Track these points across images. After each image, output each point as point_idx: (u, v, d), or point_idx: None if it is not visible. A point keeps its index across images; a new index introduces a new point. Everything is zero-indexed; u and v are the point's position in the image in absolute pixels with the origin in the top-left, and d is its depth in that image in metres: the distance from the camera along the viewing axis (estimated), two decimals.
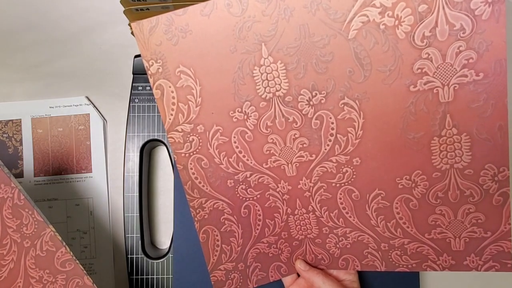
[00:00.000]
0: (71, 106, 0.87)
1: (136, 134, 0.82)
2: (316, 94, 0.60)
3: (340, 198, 0.65)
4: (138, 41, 0.61)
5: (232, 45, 0.60)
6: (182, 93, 0.62)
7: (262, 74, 0.60)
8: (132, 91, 0.83)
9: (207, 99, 0.62)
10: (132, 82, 0.83)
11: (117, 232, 0.86)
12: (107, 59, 0.89)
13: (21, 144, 0.86)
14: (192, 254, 0.77)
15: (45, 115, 0.86)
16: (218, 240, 0.69)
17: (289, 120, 0.62)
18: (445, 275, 0.83)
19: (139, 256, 0.81)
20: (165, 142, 0.82)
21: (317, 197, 0.66)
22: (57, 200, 0.86)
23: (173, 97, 0.63)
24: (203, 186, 0.67)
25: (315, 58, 0.59)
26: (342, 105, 0.60)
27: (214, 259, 0.70)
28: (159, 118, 0.82)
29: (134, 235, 0.81)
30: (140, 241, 0.81)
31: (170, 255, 0.81)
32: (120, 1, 0.69)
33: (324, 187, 0.65)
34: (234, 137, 0.64)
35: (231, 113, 0.63)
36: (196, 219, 0.68)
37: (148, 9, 0.72)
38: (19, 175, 0.86)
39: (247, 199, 0.68)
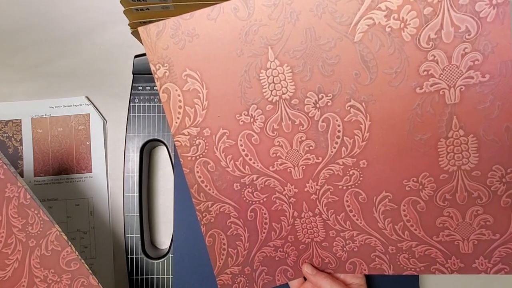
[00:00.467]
0: (71, 106, 0.86)
1: (136, 134, 0.81)
2: (322, 96, 0.60)
3: (347, 201, 0.65)
4: (145, 46, 0.61)
5: (239, 48, 0.60)
6: (189, 96, 0.62)
7: (268, 77, 0.60)
8: (132, 91, 0.83)
9: (213, 102, 0.62)
10: (132, 82, 0.83)
11: (117, 232, 0.86)
12: (107, 59, 0.89)
13: (21, 144, 0.86)
14: (192, 254, 0.77)
15: (45, 115, 0.86)
16: (224, 244, 0.69)
17: (295, 123, 0.62)
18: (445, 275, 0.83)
19: (139, 256, 0.81)
20: (165, 142, 0.82)
21: (323, 200, 0.66)
22: (57, 200, 0.86)
23: (180, 101, 0.62)
24: (210, 189, 0.66)
25: (321, 60, 0.59)
26: (349, 108, 0.60)
27: (220, 263, 0.70)
28: (159, 118, 0.82)
29: (134, 235, 0.81)
30: (140, 241, 0.81)
31: (170, 255, 0.81)
32: (120, 1, 0.69)
33: (330, 190, 0.65)
34: (241, 140, 0.64)
35: (238, 116, 0.63)
36: (202, 222, 0.68)
37: (148, 9, 0.71)
38: (19, 175, 0.85)
39: (254, 203, 0.67)
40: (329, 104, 0.61)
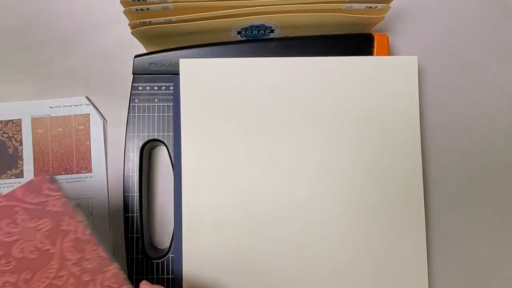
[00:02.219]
0: (71, 106, 0.87)
1: (136, 134, 0.82)
2: None
3: None
4: None
5: None
6: None
7: None
8: (132, 91, 0.82)
9: None
10: (132, 82, 0.83)
11: (117, 232, 0.86)
12: (107, 59, 0.89)
13: (21, 144, 0.86)
14: None
15: (45, 115, 0.86)
16: None
17: None
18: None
19: (139, 256, 0.80)
20: (165, 142, 0.82)
21: None
22: None
23: None
24: None
25: None
26: None
27: None
28: (159, 118, 0.82)
29: (134, 235, 0.81)
30: (140, 241, 0.81)
31: (170, 255, 0.81)
32: (120, 1, 0.69)
33: None
34: None
35: None
36: None
37: (148, 9, 0.72)
38: (19, 175, 0.86)
39: None
40: None
